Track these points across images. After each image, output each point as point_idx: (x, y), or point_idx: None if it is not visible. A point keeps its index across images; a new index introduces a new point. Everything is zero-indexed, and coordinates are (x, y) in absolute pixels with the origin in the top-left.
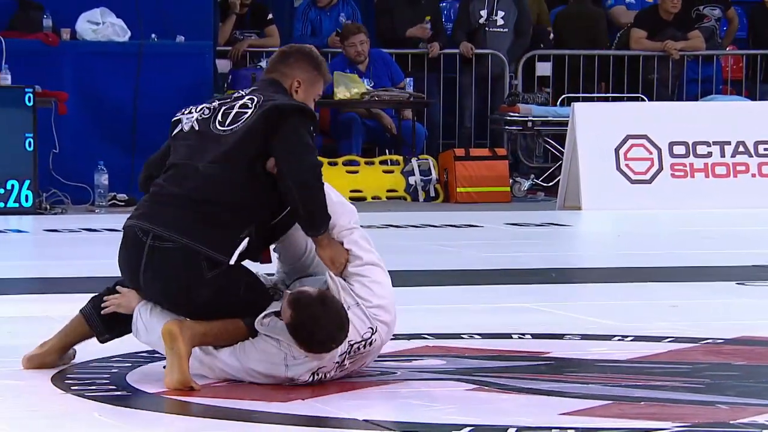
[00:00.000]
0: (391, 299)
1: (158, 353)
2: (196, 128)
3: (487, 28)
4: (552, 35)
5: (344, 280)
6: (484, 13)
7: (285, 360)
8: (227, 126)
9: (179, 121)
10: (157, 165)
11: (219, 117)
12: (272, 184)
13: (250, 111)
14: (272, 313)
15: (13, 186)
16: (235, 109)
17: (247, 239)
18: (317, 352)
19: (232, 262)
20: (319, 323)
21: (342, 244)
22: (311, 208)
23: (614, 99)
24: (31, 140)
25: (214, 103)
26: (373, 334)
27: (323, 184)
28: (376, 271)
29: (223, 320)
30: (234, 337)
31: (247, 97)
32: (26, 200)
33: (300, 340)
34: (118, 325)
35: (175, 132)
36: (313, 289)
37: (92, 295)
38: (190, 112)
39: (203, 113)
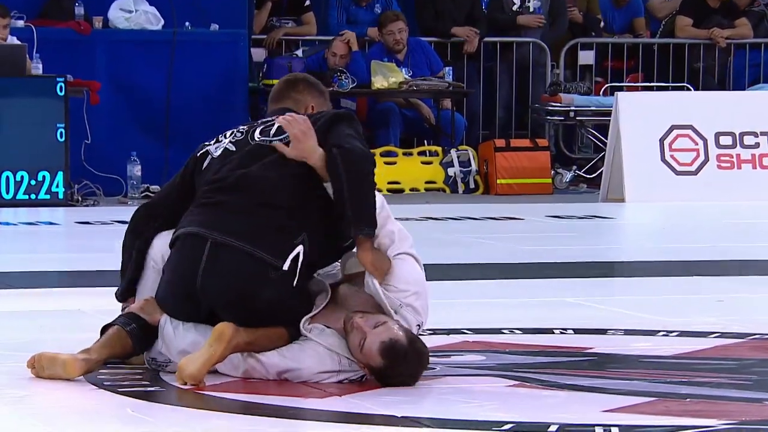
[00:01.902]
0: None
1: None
2: (232, 149)
3: (521, 16)
4: (603, 23)
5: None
6: (517, 0)
7: (339, 365)
8: (272, 136)
9: (206, 153)
10: (165, 207)
11: (257, 134)
12: (325, 197)
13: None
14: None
15: (44, 177)
16: (275, 127)
17: (300, 247)
18: (393, 386)
19: (285, 267)
20: (408, 367)
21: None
22: (360, 197)
23: (659, 88)
24: (63, 131)
25: (241, 128)
26: (420, 328)
27: (374, 177)
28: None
29: (269, 330)
30: (275, 346)
31: (281, 117)
32: (58, 192)
33: (382, 379)
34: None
35: (205, 165)
36: (401, 332)
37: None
38: (217, 141)
39: (235, 136)
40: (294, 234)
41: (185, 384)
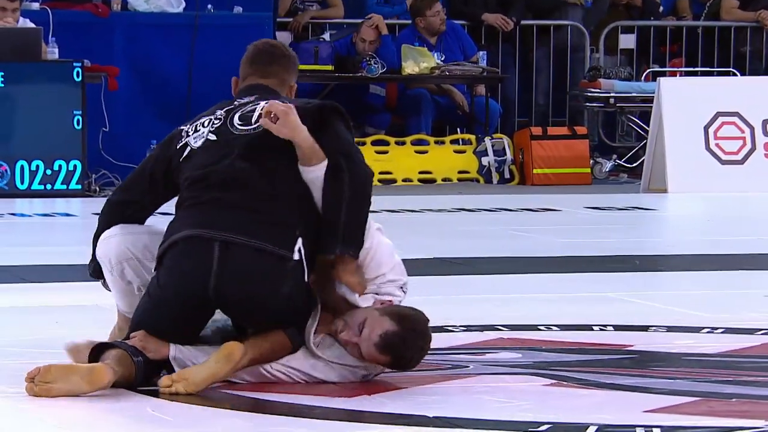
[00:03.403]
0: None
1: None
2: (213, 138)
3: None
4: (661, 8)
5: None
6: None
7: (357, 375)
8: (254, 124)
9: (185, 146)
10: (141, 191)
11: (237, 120)
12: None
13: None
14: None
15: (60, 167)
16: (258, 111)
17: (301, 239)
18: (399, 368)
19: (296, 257)
20: (413, 348)
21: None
22: (357, 220)
23: (703, 73)
24: (80, 118)
25: (218, 113)
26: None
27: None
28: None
29: (274, 342)
30: (280, 357)
31: (264, 102)
32: (74, 182)
33: (399, 368)
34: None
35: (184, 156)
36: (385, 318)
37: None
38: (195, 130)
39: (213, 123)
40: (293, 226)
41: (179, 391)
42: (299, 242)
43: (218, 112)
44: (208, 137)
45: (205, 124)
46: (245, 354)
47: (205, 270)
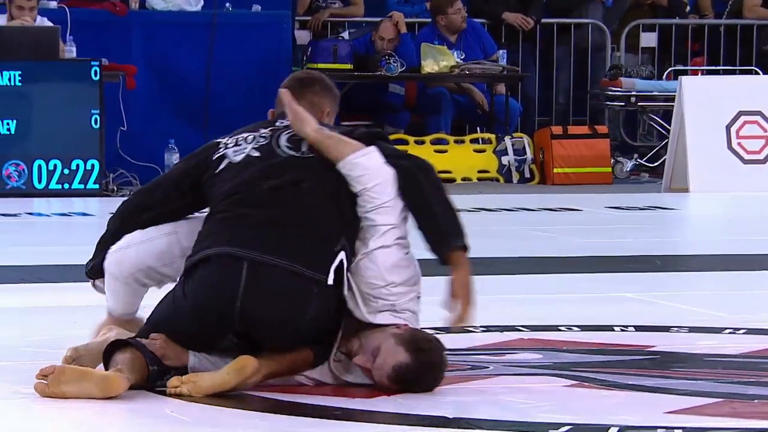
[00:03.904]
0: None
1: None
2: (256, 155)
3: None
4: (688, 7)
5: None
6: None
7: None
8: (307, 150)
9: (223, 157)
10: (160, 200)
11: (284, 141)
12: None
13: None
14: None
15: (78, 166)
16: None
17: (342, 253)
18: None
19: (330, 281)
20: (426, 380)
21: None
22: (449, 207)
23: (725, 72)
24: (98, 117)
25: (262, 131)
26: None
27: None
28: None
29: (295, 360)
30: (298, 372)
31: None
32: (92, 181)
33: (402, 385)
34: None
35: (220, 168)
36: (400, 348)
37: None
38: (236, 144)
39: (258, 141)
40: (334, 240)
41: (184, 393)
42: (339, 258)
43: (262, 130)
44: (251, 153)
45: (249, 140)
46: (258, 370)
47: (232, 289)
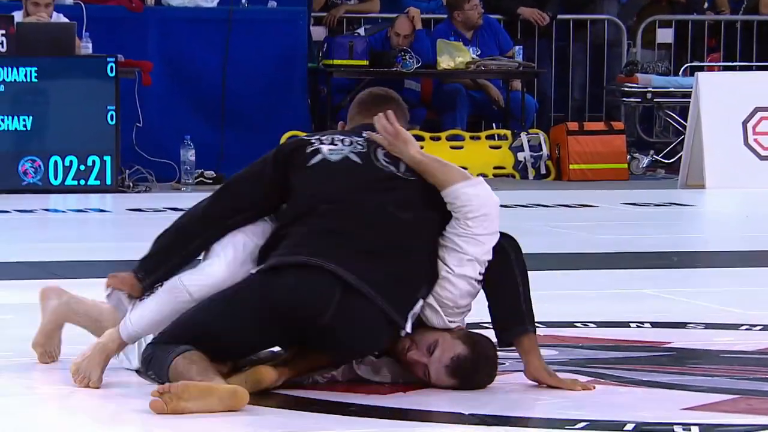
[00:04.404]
0: None
1: None
2: (357, 161)
3: None
4: (706, 3)
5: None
6: None
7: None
8: (407, 171)
9: (317, 151)
10: (252, 200)
11: (381, 155)
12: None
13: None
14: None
15: (94, 162)
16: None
17: (421, 301)
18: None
19: (408, 329)
20: (483, 375)
21: None
22: (529, 292)
23: (742, 68)
24: (114, 113)
25: (357, 139)
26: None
27: None
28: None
29: (313, 359)
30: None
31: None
32: (108, 178)
33: (460, 377)
34: None
35: (312, 162)
36: (457, 342)
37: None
38: (332, 143)
39: (356, 147)
40: (418, 287)
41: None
42: (417, 306)
43: (357, 138)
44: (350, 156)
45: (345, 142)
46: (275, 381)
47: (324, 304)
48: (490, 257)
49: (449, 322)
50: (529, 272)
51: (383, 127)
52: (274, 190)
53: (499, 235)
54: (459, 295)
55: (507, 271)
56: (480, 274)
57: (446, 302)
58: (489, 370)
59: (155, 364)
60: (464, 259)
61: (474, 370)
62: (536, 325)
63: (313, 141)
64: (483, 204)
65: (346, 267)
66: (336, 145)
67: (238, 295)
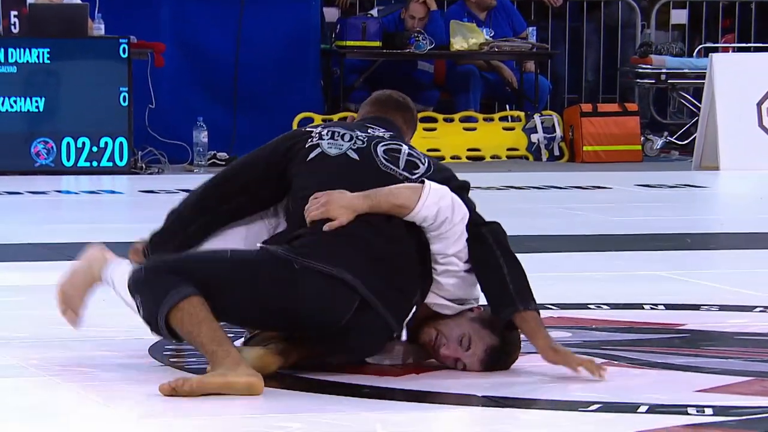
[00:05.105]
0: None
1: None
2: (355, 157)
3: None
4: None
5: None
6: None
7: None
8: (410, 172)
9: (315, 146)
10: (243, 190)
11: (381, 152)
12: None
13: (422, 168)
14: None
15: (106, 144)
16: (404, 156)
17: (414, 308)
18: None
19: (403, 338)
20: (510, 358)
21: None
22: (520, 273)
23: (756, 49)
24: (126, 95)
25: (358, 132)
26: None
27: None
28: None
29: (311, 349)
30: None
31: (406, 146)
32: (121, 159)
33: (492, 366)
34: None
35: (311, 157)
36: (486, 332)
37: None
38: (332, 138)
39: (356, 142)
40: (413, 295)
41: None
42: (412, 312)
43: (357, 132)
44: (348, 153)
45: (345, 137)
46: (280, 366)
47: (340, 315)
48: (460, 246)
49: (461, 306)
50: (542, 254)
51: (312, 205)
52: (270, 179)
53: (464, 221)
54: (453, 290)
55: (487, 256)
56: (462, 262)
57: (449, 300)
58: (516, 355)
59: (148, 294)
60: (438, 258)
61: (506, 357)
62: (535, 303)
63: (313, 135)
64: (437, 216)
65: (362, 280)
66: (336, 140)
67: (265, 275)
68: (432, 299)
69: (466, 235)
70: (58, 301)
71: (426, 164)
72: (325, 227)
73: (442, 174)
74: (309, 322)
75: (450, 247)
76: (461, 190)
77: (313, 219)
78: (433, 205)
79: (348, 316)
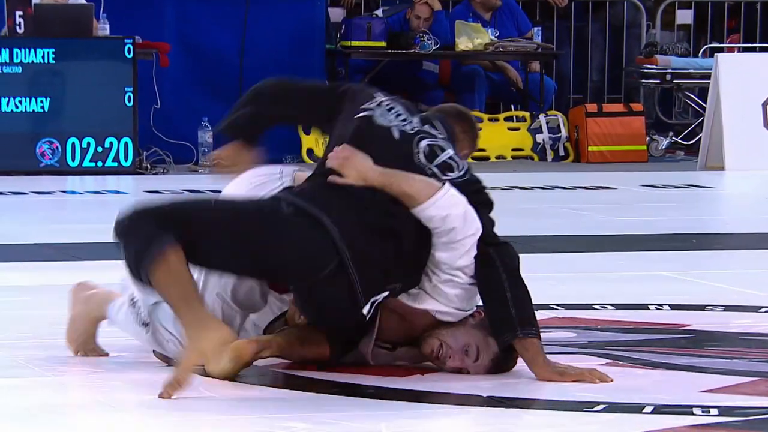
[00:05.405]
0: None
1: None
2: (396, 136)
3: None
4: None
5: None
6: None
7: None
8: (443, 172)
9: (371, 108)
10: (295, 102)
11: (423, 147)
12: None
13: (455, 174)
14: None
15: (111, 144)
16: (444, 156)
17: (387, 293)
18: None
19: (364, 311)
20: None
21: None
22: (524, 297)
23: (762, 50)
24: (131, 95)
25: (414, 120)
26: None
27: None
28: None
29: (310, 348)
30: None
31: (451, 150)
32: (125, 159)
33: (495, 370)
34: None
35: (359, 114)
36: (490, 341)
37: None
38: (387, 110)
39: (405, 125)
40: (393, 281)
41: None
42: (383, 295)
43: (414, 120)
44: (392, 129)
45: (400, 116)
46: (257, 353)
47: (317, 268)
48: (468, 261)
49: (463, 312)
50: (547, 254)
51: (335, 152)
52: (322, 109)
53: (475, 236)
54: (457, 300)
55: (493, 278)
56: (468, 276)
57: (449, 309)
58: (516, 361)
59: (132, 240)
60: (443, 268)
61: (510, 363)
62: (537, 329)
63: (375, 97)
64: (445, 221)
65: (342, 235)
66: (390, 113)
67: (248, 219)
68: (433, 306)
69: (475, 251)
70: (73, 352)
71: (461, 172)
72: (330, 178)
73: (472, 186)
74: (285, 272)
75: (458, 260)
76: (483, 206)
77: (330, 166)
78: (443, 209)
79: (324, 273)
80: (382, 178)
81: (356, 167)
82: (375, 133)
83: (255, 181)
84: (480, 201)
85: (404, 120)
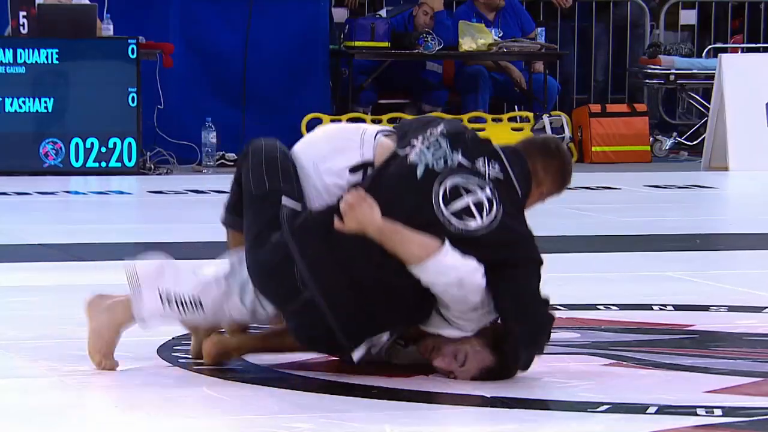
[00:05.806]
0: None
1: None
2: (419, 175)
3: None
4: None
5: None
6: None
7: None
8: (461, 219)
9: (409, 147)
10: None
11: (448, 187)
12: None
13: (477, 223)
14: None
15: (115, 144)
16: (471, 200)
17: (385, 336)
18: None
19: (355, 356)
20: (509, 374)
21: None
22: (530, 359)
23: (765, 50)
24: (135, 95)
25: (450, 152)
26: None
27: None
28: None
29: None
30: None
31: (483, 191)
32: (129, 160)
33: (482, 379)
34: None
35: (393, 155)
36: (481, 350)
37: None
38: (429, 144)
39: (437, 162)
40: (389, 325)
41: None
42: (378, 337)
43: (450, 151)
44: (418, 167)
45: (437, 146)
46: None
47: (282, 300)
48: (477, 307)
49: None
50: (551, 254)
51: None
52: None
53: (480, 307)
54: (471, 328)
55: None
56: (479, 311)
57: (463, 334)
58: (513, 372)
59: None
60: (453, 312)
61: (499, 376)
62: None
63: (414, 145)
64: (435, 288)
65: (318, 282)
66: (429, 146)
67: (255, 226)
68: (448, 332)
69: (483, 293)
70: (96, 363)
71: (488, 222)
72: (335, 222)
73: (503, 238)
74: (260, 287)
75: (466, 313)
76: (516, 265)
77: (339, 208)
78: (435, 275)
79: (292, 307)
80: (380, 234)
81: (358, 218)
82: (400, 171)
83: (336, 145)
84: (511, 257)
85: (441, 156)
